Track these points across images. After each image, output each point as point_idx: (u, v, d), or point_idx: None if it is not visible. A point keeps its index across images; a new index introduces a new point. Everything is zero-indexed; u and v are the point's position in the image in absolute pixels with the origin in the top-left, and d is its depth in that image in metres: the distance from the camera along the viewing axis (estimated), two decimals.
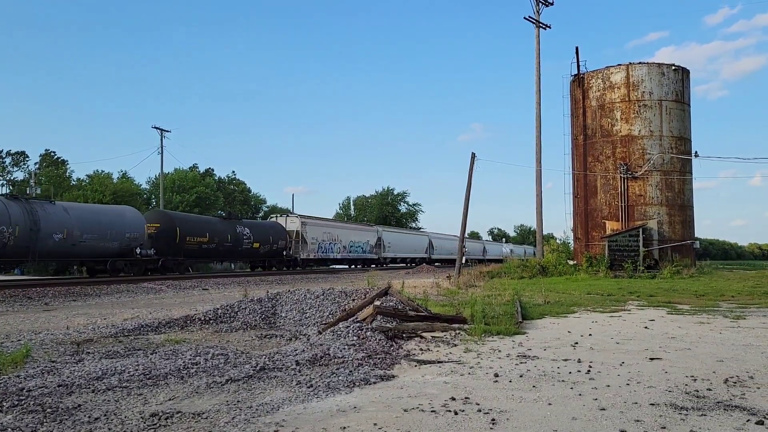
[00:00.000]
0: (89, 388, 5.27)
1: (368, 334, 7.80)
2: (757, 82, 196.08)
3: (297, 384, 5.45)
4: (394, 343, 7.70)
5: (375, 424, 4.21)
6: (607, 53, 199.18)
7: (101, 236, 23.94)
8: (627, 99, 31.10)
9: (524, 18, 35.85)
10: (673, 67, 31.49)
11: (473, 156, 27.56)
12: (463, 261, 64.92)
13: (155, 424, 4.23)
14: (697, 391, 5.21)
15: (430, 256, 60.53)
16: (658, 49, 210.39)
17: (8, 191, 53.03)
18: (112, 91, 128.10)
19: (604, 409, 4.60)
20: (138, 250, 25.83)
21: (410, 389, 5.31)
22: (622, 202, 30.50)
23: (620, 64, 31.67)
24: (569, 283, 22.59)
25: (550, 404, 4.77)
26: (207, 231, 30.21)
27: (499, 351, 7.31)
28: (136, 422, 4.26)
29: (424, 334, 8.52)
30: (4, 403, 4.70)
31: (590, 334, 8.80)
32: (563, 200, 40.66)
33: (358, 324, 8.28)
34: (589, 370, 6.11)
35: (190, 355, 6.72)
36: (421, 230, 66.98)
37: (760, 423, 4.22)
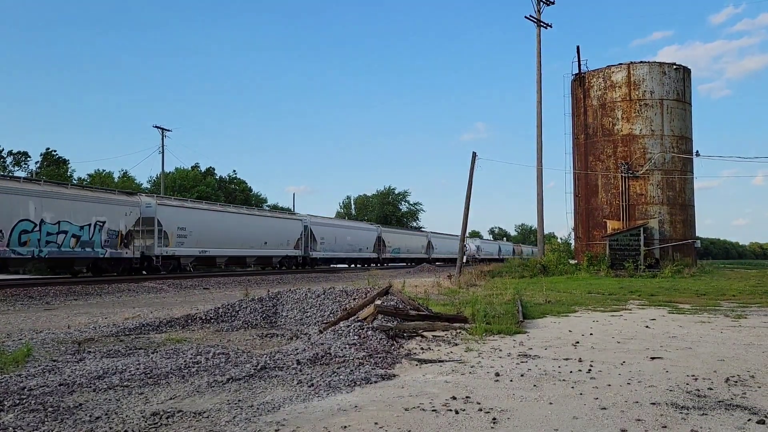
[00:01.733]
0: (90, 387, 5.27)
1: (369, 333, 7.79)
2: (761, 81, 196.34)
3: (298, 383, 5.44)
4: (395, 343, 7.69)
5: (376, 423, 4.21)
6: (611, 52, 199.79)
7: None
8: (628, 98, 31.07)
9: (525, 17, 35.87)
10: (675, 66, 31.46)
11: (474, 155, 27.56)
12: (384, 257, 49.89)
13: (156, 423, 4.23)
14: (698, 390, 5.21)
15: (307, 254, 40.90)
16: (661, 48, 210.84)
17: None
18: (114, 90, 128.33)
19: (605, 409, 4.60)
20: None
21: (411, 388, 5.31)
22: (623, 202, 30.48)
23: (621, 64, 31.64)
24: (570, 282, 22.57)
25: (551, 403, 4.77)
26: None
27: (500, 350, 7.31)
28: (137, 421, 4.26)
29: (425, 334, 8.52)
30: (6, 402, 4.70)
31: (591, 334, 8.79)
32: (565, 199, 39.55)
33: (359, 323, 8.27)
34: (590, 370, 6.11)
35: (191, 354, 6.72)
36: (295, 214, 43.52)
37: (761, 422, 4.22)
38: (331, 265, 45.83)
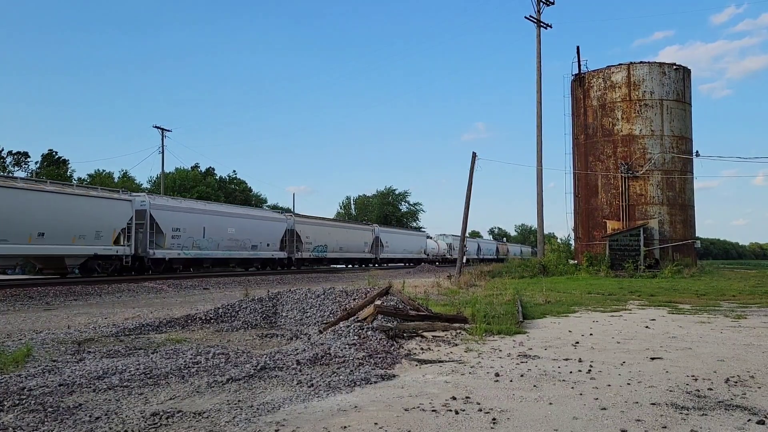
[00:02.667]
0: (90, 387, 5.27)
1: (369, 333, 7.79)
2: (761, 81, 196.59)
3: (298, 383, 5.44)
4: (394, 343, 7.69)
5: (376, 424, 4.21)
6: (612, 52, 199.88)
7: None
8: (628, 98, 31.08)
9: (525, 17, 35.89)
10: (674, 67, 31.47)
11: (474, 155, 27.58)
12: (302, 257, 36.76)
13: (156, 423, 4.23)
14: (698, 390, 5.21)
15: (146, 252, 26.61)
16: (663, 48, 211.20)
17: None
18: (114, 90, 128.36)
19: (605, 409, 4.60)
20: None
21: (411, 389, 5.31)
22: (623, 202, 30.48)
23: (621, 64, 31.66)
24: (570, 282, 22.57)
25: (551, 404, 4.77)
26: None
27: (500, 350, 7.31)
28: (137, 421, 4.26)
29: (425, 334, 8.52)
30: (6, 403, 4.70)
31: (591, 334, 8.79)
32: (565, 199, 39.22)
33: (358, 323, 8.27)
34: (590, 370, 6.11)
35: (191, 355, 6.72)
36: (119, 192, 26.31)
37: (761, 423, 4.22)
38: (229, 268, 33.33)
